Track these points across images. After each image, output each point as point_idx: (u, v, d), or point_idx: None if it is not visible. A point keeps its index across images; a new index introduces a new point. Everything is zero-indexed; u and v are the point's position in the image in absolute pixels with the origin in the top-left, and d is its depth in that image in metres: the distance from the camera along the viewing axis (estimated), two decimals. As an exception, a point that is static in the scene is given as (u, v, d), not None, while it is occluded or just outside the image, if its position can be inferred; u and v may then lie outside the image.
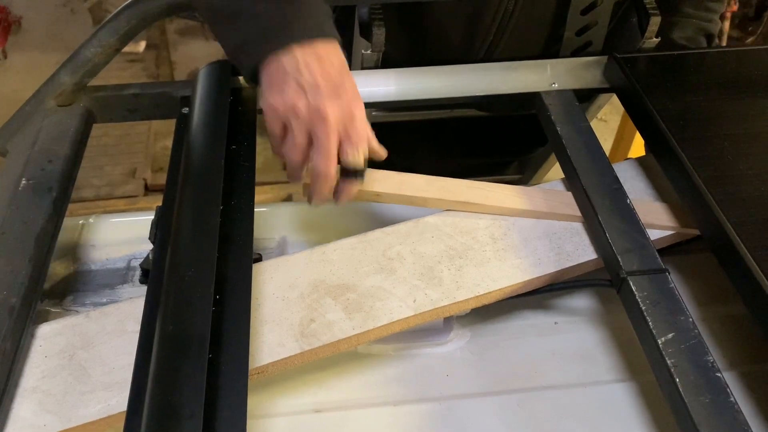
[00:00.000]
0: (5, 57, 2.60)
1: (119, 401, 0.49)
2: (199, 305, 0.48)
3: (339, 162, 0.56)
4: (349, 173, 0.58)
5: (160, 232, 0.57)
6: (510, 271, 0.60)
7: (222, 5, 0.57)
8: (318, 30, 0.55)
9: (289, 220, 0.71)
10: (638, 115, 0.71)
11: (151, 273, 0.53)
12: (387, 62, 0.74)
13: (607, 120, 2.41)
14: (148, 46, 2.91)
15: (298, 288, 0.58)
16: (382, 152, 0.60)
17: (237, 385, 0.46)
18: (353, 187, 0.59)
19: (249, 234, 0.56)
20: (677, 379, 0.49)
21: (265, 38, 0.55)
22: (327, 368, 0.58)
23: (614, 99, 0.77)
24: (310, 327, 0.54)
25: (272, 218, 0.71)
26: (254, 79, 0.57)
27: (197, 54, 2.90)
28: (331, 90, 0.54)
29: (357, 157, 0.55)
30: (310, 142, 0.55)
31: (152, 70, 2.84)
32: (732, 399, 0.47)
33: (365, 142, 0.56)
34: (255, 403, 0.55)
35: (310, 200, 0.60)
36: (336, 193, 0.59)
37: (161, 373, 0.44)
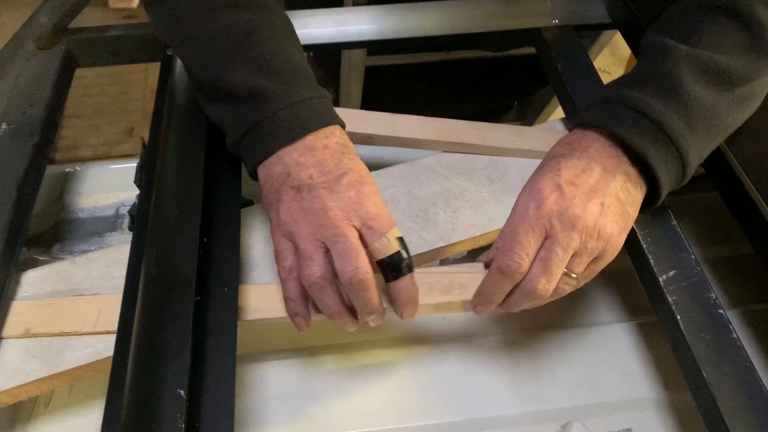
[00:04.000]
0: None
1: (106, 346, 0.47)
2: (185, 246, 0.47)
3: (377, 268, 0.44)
4: (391, 270, 0.44)
5: (145, 176, 0.55)
6: (507, 212, 0.58)
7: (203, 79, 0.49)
8: (311, 119, 0.46)
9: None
10: (642, 51, 0.68)
11: (136, 217, 0.52)
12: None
13: (611, 72, 2.36)
14: (141, 2, 2.84)
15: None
16: None
17: (225, 326, 0.44)
18: (408, 287, 0.45)
19: (237, 175, 0.54)
20: (678, 316, 0.47)
21: (249, 141, 0.47)
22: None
23: (617, 47, 0.74)
24: (301, 270, 0.53)
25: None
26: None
27: (192, 9, 2.83)
28: (330, 182, 0.44)
29: (387, 244, 0.43)
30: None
31: (146, 25, 2.78)
32: (734, 335, 0.46)
33: (389, 224, 0.43)
34: (248, 346, 0.54)
35: (367, 322, 0.46)
36: (393, 303, 0.46)
37: (146, 316, 0.43)
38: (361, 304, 0.44)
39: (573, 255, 0.44)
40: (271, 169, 0.46)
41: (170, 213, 0.48)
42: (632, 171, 0.46)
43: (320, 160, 0.45)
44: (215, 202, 0.51)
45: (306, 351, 0.54)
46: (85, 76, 2.44)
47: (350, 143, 0.48)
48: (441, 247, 0.55)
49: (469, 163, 0.62)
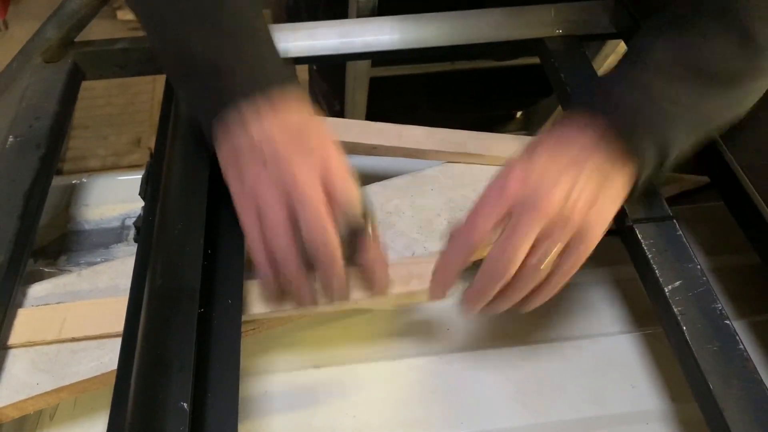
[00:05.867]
0: (6, 28, 2.57)
1: (112, 359, 0.48)
2: (189, 258, 0.47)
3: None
4: (354, 238, 0.44)
5: (150, 187, 0.56)
6: (512, 222, 0.58)
7: (157, 41, 0.49)
8: (272, 76, 0.45)
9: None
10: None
11: (141, 229, 0.52)
12: (383, 9, 0.71)
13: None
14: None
15: (294, 243, 0.56)
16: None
17: (229, 338, 0.44)
18: (372, 251, 0.45)
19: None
20: (684, 327, 0.47)
21: (208, 95, 0.46)
22: (326, 324, 0.57)
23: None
24: (306, 282, 0.53)
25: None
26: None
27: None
28: (295, 147, 0.43)
29: (352, 204, 0.43)
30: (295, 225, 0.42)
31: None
32: (741, 347, 0.46)
33: (354, 191, 0.44)
34: (253, 359, 0.54)
35: (330, 296, 0.46)
36: (362, 269, 0.46)
37: (150, 328, 0.43)
38: (326, 268, 0.43)
39: (539, 239, 0.42)
40: (230, 127, 0.44)
41: (175, 225, 0.49)
42: (614, 150, 0.44)
43: (284, 121, 0.44)
44: (220, 214, 0.52)
45: (311, 364, 0.54)
46: (93, 87, 2.46)
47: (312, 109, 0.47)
48: (445, 259, 0.55)
49: (474, 174, 0.62)
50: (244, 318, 0.48)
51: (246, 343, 0.46)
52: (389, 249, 0.56)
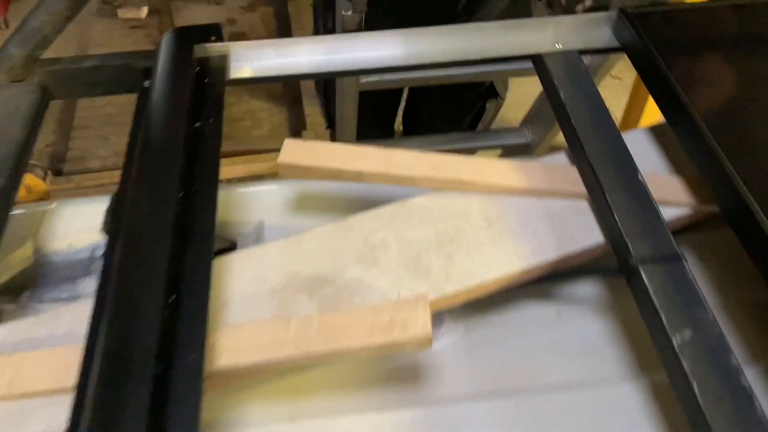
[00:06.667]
0: (7, 26, 2.54)
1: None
2: (146, 311, 0.42)
3: None
4: None
5: (113, 222, 0.51)
6: (506, 258, 0.54)
7: None
8: None
9: (267, 203, 0.65)
10: (651, 78, 0.63)
11: (100, 273, 0.48)
12: (369, 25, 0.67)
13: (622, 77, 2.30)
14: (150, 12, 2.82)
15: (270, 282, 0.52)
16: None
17: (189, 399, 0.40)
18: None
19: (210, 225, 0.50)
20: (695, 385, 0.42)
21: None
22: (303, 370, 0.52)
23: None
24: (280, 327, 0.48)
25: (248, 200, 0.65)
26: None
27: (201, 18, 2.81)
28: None
29: None
30: None
31: (155, 36, 2.76)
32: (758, 408, 0.41)
33: None
34: (221, 412, 0.50)
35: None
36: None
37: (101, 392, 0.39)
38: None
39: None
40: None
41: (134, 270, 0.44)
42: None
43: None
44: (186, 254, 0.47)
45: (286, 416, 0.50)
46: None
47: None
48: (433, 300, 0.51)
49: (466, 203, 0.58)
50: (210, 370, 0.44)
51: (214, 395, 0.41)
52: (372, 289, 0.51)
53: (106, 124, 2.41)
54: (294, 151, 0.59)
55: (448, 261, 0.53)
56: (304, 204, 0.65)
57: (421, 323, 0.46)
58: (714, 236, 0.61)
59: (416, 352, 0.48)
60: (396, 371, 0.53)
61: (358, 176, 0.59)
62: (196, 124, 0.56)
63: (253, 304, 0.50)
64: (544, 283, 0.57)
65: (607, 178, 0.55)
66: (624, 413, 0.51)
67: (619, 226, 0.52)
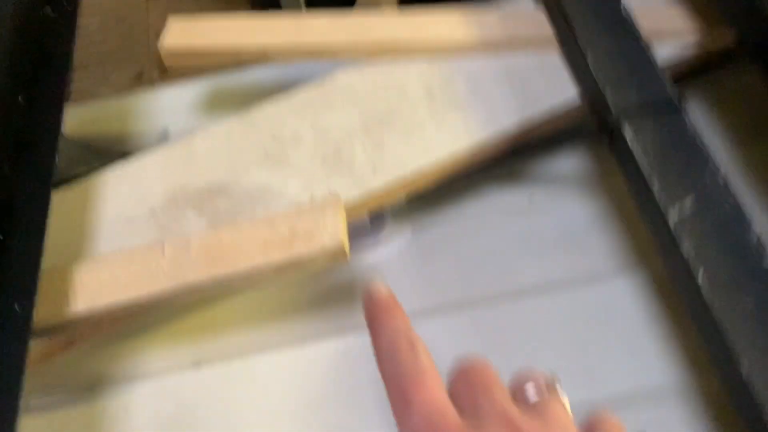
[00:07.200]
0: None
1: None
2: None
3: None
4: None
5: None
6: (451, 135, 0.41)
7: None
8: None
9: (171, 107, 0.53)
10: None
11: None
12: None
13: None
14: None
15: (150, 200, 0.41)
16: None
17: (9, 367, 0.30)
18: None
19: (52, 140, 0.38)
20: (700, 273, 0.31)
21: None
22: (208, 307, 0.42)
23: None
24: (160, 256, 0.38)
25: (149, 106, 0.53)
26: None
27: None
28: None
29: None
30: None
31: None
32: (787, 297, 0.29)
33: None
34: (115, 362, 0.40)
35: None
36: None
37: None
38: None
39: None
40: None
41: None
42: None
43: None
44: (21, 179, 0.36)
45: (189, 360, 0.40)
46: (87, 25, 2.30)
47: None
48: (357, 200, 0.39)
49: (401, 73, 0.45)
50: (66, 318, 0.34)
51: (97, 345, 0.32)
52: (280, 195, 0.40)
53: (104, 62, 2.30)
54: (180, 32, 0.46)
55: (376, 150, 0.41)
56: (215, 104, 0.53)
57: (329, 231, 0.35)
58: (727, 78, 0.47)
59: (337, 268, 0.38)
60: (325, 294, 0.42)
61: (263, 55, 0.46)
62: (44, 10, 0.44)
63: (129, 230, 0.40)
64: (510, 163, 0.45)
65: (579, 14, 0.41)
66: (616, 314, 0.40)
67: (594, 73, 0.38)
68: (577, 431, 0.25)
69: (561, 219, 0.44)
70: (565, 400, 0.26)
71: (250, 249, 0.35)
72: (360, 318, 0.40)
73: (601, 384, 0.37)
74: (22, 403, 0.29)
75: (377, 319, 0.28)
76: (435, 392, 0.24)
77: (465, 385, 0.25)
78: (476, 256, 0.43)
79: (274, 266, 0.35)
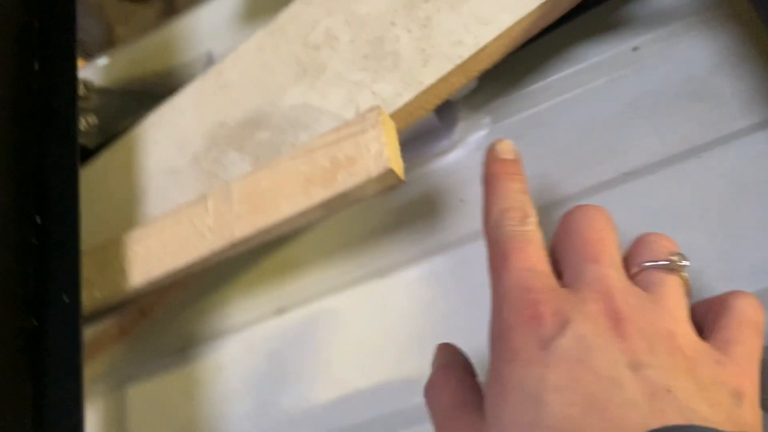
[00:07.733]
0: None
1: None
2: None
3: None
4: None
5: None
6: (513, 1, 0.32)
7: None
8: None
9: (209, 26, 0.48)
10: None
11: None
12: None
13: None
14: None
15: (191, 146, 0.37)
16: None
17: (68, 362, 0.29)
18: None
19: (72, 104, 0.35)
20: None
21: None
22: (290, 244, 0.39)
23: None
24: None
25: (186, 31, 0.49)
26: None
27: None
28: None
29: None
30: None
31: None
32: None
33: None
34: (200, 320, 0.39)
35: None
36: None
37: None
38: None
39: None
40: None
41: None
42: None
43: None
44: (50, 150, 0.34)
45: (271, 309, 0.38)
46: None
47: None
48: (409, 103, 0.33)
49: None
50: (125, 293, 0.33)
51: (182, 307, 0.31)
52: (322, 114, 0.34)
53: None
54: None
55: (424, 30, 0.34)
56: (254, 11, 0.47)
57: (374, 153, 0.29)
58: None
59: (391, 189, 0.32)
60: (402, 216, 0.37)
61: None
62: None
63: (175, 182, 0.37)
64: (597, 11, 0.35)
65: None
66: (760, 179, 0.30)
67: None
68: (688, 318, 0.23)
69: (676, 70, 0.34)
70: (685, 276, 0.24)
71: (290, 191, 0.31)
72: (443, 237, 0.35)
73: (744, 271, 0.29)
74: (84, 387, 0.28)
75: (496, 179, 0.27)
76: (534, 257, 0.24)
77: (573, 249, 0.24)
78: (574, 137, 0.35)
79: (320, 204, 0.30)
